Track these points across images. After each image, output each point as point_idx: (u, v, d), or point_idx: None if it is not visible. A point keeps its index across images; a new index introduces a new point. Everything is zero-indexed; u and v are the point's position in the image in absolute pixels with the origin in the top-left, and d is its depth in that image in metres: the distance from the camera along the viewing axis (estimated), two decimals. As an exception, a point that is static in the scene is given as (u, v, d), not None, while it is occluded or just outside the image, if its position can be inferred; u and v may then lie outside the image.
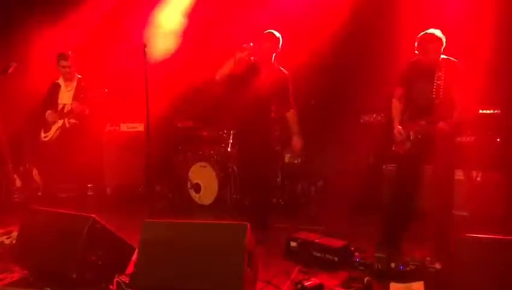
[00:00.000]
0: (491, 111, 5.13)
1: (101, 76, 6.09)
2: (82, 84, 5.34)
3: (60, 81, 5.37)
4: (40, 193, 5.69)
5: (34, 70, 6.08)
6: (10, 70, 5.20)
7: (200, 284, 2.98)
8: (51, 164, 5.35)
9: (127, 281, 3.25)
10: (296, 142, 4.75)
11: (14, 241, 4.01)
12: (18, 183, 5.80)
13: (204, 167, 6.23)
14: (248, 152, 4.70)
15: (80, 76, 5.41)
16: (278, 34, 4.58)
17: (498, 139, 5.29)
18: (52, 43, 6.07)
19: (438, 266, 3.56)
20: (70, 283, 3.16)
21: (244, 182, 5.11)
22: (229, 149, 6.31)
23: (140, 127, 6.69)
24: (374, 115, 5.85)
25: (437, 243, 3.96)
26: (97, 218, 3.31)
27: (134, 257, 3.31)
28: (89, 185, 6.02)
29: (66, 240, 3.30)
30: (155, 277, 3.07)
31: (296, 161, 6.42)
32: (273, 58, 4.63)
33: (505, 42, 5.13)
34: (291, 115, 4.73)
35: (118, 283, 3.25)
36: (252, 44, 4.41)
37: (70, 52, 5.31)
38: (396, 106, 4.27)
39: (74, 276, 3.14)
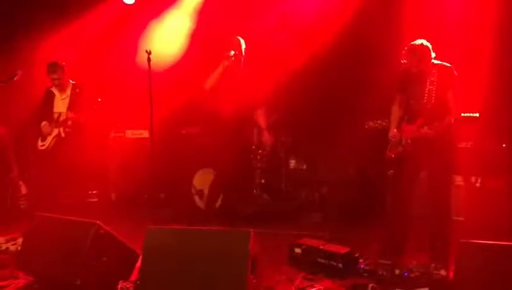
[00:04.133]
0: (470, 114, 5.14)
1: (105, 83, 6.11)
2: (76, 90, 5.31)
3: (54, 89, 5.37)
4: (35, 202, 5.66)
5: (38, 78, 6.10)
6: (16, 78, 5.25)
7: (204, 291, 2.98)
8: (49, 172, 5.36)
9: (131, 288, 3.26)
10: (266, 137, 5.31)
11: (19, 248, 4.03)
12: (24, 189, 5.80)
13: (209, 173, 6.23)
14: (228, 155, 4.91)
15: (73, 82, 5.37)
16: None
17: (504, 145, 5.27)
18: (56, 51, 6.09)
19: (443, 272, 3.55)
20: (74, 289, 3.17)
21: None
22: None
23: (145, 134, 6.67)
24: (379, 121, 5.84)
25: (435, 250, 3.93)
26: (102, 224, 3.33)
27: (139, 263, 3.32)
28: (94, 192, 6.02)
29: (70, 247, 3.32)
30: (159, 284, 3.08)
31: (301, 167, 6.41)
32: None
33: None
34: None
35: (122, 290, 3.26)
36: (233, 51, 4.78)
37: (58, 63, 5.27)
38: (394, 111, 4.33)
39: (78, 282, 3.15)
